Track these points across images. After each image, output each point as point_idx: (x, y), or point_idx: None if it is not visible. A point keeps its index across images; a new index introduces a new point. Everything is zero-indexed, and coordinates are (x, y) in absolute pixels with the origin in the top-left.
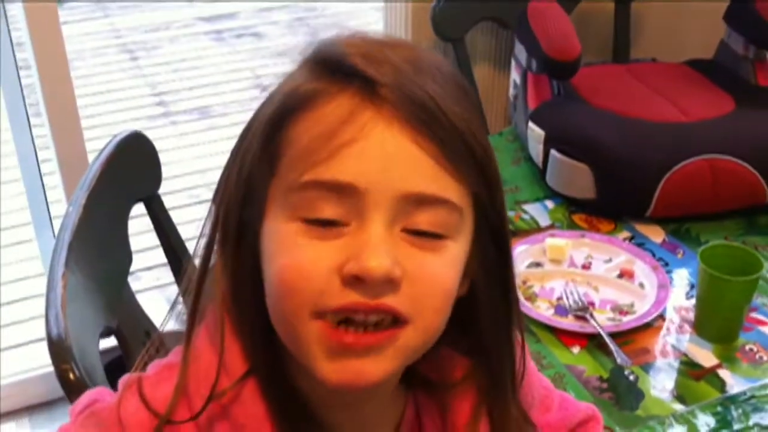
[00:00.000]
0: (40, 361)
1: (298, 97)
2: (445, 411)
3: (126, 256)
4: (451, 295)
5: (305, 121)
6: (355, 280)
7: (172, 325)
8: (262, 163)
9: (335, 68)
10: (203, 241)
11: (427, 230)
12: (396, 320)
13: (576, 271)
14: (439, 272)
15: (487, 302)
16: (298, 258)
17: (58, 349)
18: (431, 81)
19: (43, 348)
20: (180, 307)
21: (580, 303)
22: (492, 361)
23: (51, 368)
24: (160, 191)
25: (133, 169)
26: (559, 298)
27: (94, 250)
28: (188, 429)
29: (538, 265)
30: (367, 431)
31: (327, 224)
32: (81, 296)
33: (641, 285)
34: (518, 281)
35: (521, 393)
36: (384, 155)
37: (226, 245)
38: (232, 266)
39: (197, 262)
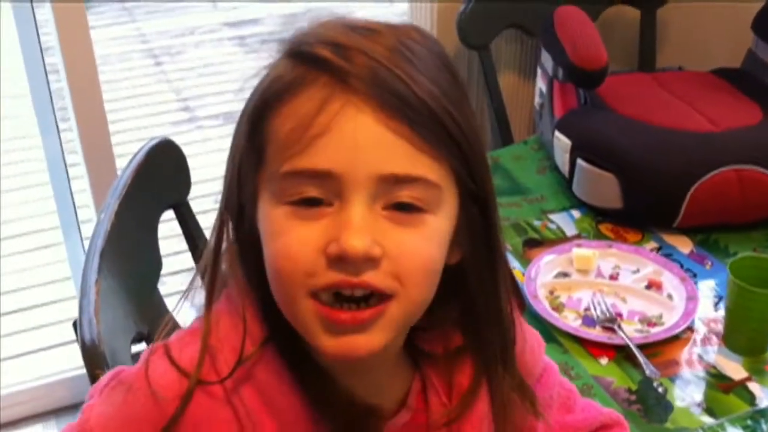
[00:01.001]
0: (68, 364)
1: (274, 90)
2: (450, 383)
3: (156, 262)
4: (433, 268)
5: (281, 115)
6: (338, 260)
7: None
8: (249, 155)
9: (307, 59)
10: (216, 220)
11: (407, 202)
12: (381, 296)
13: (603, 282)
14: (418, 248)
15: (475, 271)
16: (287, 243)
17: (92, 354)
18: (407, 64)
19: (71, 351)
20: (197, 290)
21: (607, 314)
22: (482, 330)
23: (77, 371)
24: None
25: (163, 175)
26: (587, 309)
27: (126, 256)
28: (216, 392)
29: (565, 275)
30: (378, 397)
31: (311, 203)
32: (113, 302)
33: (669, 296)
34: (545, 291)
35: (537, 388)
36: (355, 141)
37: (232, 224)
38: (238, 243)
39: (212, 240)
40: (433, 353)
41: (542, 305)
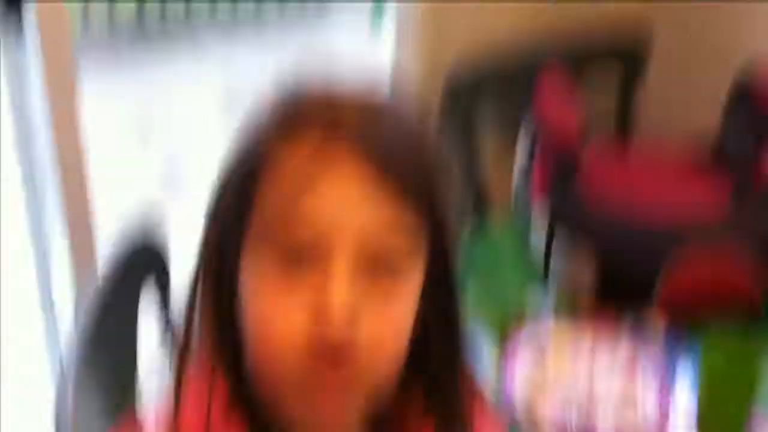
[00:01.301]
0: None
1: (261, 160)
2: None
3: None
4: (404, 339)
5: (269, 185)
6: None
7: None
8: (233, 220)
9: (297, 125)
10: (190, 281)
11: (386, 270)
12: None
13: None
14: (394, 325)
15: (438, 340)
16: (271, 328)
17: None
18: (388, 131)
19: None
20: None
21: None
22: (443, 395)
23: None
24: (173, 266)
25: (143, 260)
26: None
27: (106, 353)
28: None
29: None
30: None
31: (298, 259)
32: (89, 405)
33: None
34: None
35: None
36: (343, 215)
37: (210, 287)
38: (215, 306)
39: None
40: (391, 417)
41: None
